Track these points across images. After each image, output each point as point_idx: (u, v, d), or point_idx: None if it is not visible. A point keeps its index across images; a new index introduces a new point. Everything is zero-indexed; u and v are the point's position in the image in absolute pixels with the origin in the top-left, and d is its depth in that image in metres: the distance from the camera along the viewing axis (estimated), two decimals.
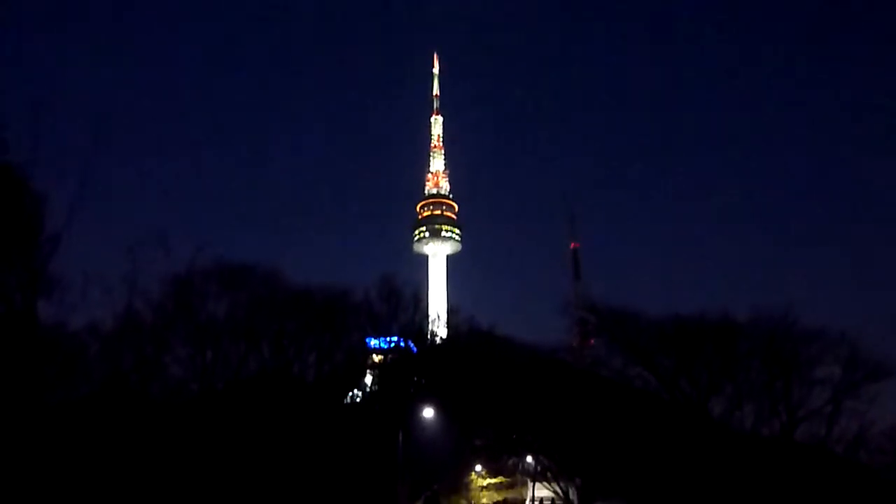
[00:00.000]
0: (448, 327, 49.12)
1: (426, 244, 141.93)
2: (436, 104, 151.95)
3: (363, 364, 42.42)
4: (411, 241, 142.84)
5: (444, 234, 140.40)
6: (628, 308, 38.20)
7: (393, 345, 42.73)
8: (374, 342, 42.91)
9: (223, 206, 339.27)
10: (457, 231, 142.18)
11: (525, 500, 64.05)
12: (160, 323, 32.56)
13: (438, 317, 49.37)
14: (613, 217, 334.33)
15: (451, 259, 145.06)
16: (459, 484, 53.66)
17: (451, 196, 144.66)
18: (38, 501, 16.19)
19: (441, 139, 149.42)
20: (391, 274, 44.14)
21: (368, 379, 42.96)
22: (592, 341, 48.32)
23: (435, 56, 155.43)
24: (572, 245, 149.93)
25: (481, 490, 63.01)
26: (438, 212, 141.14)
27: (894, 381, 34.25)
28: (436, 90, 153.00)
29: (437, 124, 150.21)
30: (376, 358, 43.41)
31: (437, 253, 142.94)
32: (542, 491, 61.04)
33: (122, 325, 29.45)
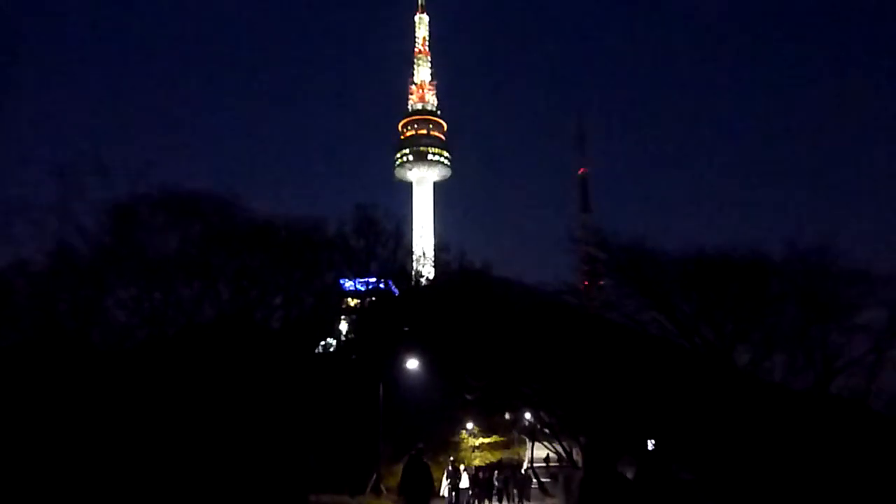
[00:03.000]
0: (435, 266, 50.04)
1: (410, 169, 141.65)
2: (421, 0, 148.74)
3: (337, 308, 43.12)
4: (392, 166, 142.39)
5: (430, 157, 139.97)
6: (643, 243, 38.27)
7: (371, 286, 43.38)
8: (349, 283, 43.43)
9: (171, 128, 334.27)
10: (445, 154, 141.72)
11: (523, 461, 66.06)
12: (100, 260, 32.54)
13: (424, 254, 50.11)
14: (627, 139, 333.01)
15: (438, 186, 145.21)
16: (448, 443, 55.19)
17: (439, 112, 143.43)
18: None
19: (427, 43, 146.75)
20: (369, 204, 44.44)
21: (343, 326, 43.77)
22: (602, 282, 48.85)
23: None
24: (580, 171, 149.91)
25: (473, 450, 64.82)
26: (424, 131, 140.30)
27: None
28: None
29: (422, 25, 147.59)
30: (352, 302, 44.20)
31: (423, 179, 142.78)
32: (541, 451, 62.93)
33: (56, 263, 29.51)
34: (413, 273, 46.73)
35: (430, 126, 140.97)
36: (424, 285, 47.08)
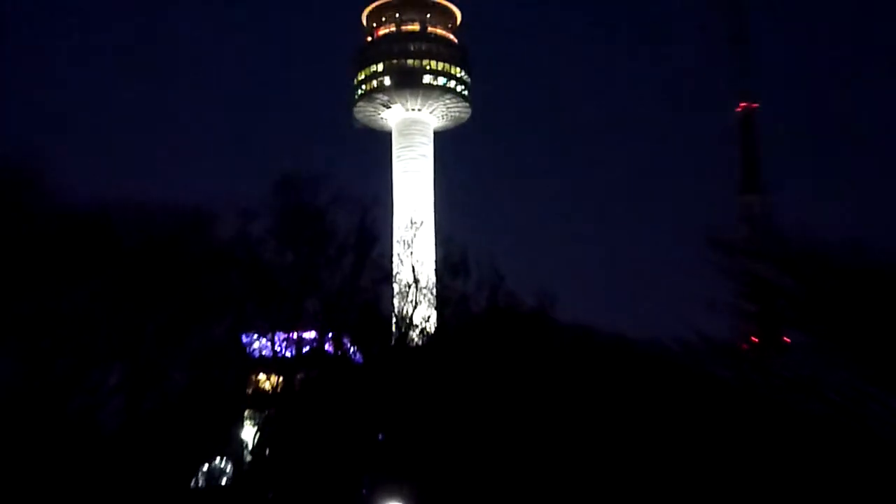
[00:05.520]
0: (439, 304, 49.76)
1: (387, 106, 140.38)
2: None
3: (236, 394, 42.86)
4: (352, 99, 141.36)
5: (428, 79, 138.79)
6: (865, 254, 36.98)
7: (309, 347, 43.30)
8: (261, 343, 43.50)
9: None
10: (460, 74, 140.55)
11: None
12: None
13: (416, 279, 49.72)
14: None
15: (444, 139, 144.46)
16: None
17: None
18: None
19: None
20: (305, 177, 45.03)
21: (249, 432, 43.27)
22: (787, 338, 48.62)
23: None
24: (740, 105, 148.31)
25: None
26: (415, 26, 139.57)
27: None
28: None
29: None
30: (268, 381, 44.12)
31: (414, 125, 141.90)
32: None
33: None
34: (394, 318, 46.23)
35: (428, 15, 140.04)
36: (417, 345, 46.25)
